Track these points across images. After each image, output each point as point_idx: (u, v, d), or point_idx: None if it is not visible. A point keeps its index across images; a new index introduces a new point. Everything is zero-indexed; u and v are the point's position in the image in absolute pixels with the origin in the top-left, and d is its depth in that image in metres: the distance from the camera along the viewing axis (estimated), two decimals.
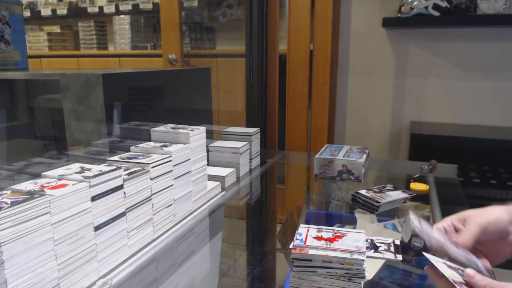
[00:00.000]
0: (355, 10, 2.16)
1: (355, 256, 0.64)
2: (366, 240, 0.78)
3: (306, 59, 2.06)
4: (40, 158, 1.20)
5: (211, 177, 1.21)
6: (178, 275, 0.84)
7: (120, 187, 0.77)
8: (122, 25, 3.02)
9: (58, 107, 1.04)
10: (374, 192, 1.14)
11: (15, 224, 0.56)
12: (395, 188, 1.18)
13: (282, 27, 2.14)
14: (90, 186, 0.69)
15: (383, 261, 0.79)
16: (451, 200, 1.23)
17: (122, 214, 0.78)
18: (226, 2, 2.70)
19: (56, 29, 3.30)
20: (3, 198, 0.59)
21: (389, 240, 0.85)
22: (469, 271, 0.60)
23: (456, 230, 0.68)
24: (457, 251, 0.63)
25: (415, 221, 0.69)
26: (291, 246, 0.67)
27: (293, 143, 2.16)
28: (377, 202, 1.08)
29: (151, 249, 0.87)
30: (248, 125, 2.08)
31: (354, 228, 1.00)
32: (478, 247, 0.66)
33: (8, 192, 0.62)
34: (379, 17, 2.03)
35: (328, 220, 1.16)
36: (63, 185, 0.66)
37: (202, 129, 1.06)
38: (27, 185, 0.66)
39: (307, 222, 1.07)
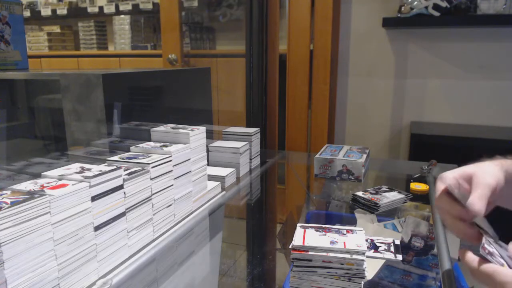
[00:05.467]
0: (355, 10, 2.16)
1: (355, 256, 0.64)
2: (366, 240, 0.78)
3: (306, 59, 2.06)
4: (40, 158, 1.20)
5: (211, 177, 1.21)
6: (178, 275, 0.84)
7: (120, 187, 0.77)
8: (122, 25, 3.02)
9: (58, 107, 1.04)
10: (371, 193, 1.14)
11: (15, 224, 0.56)
12: (391, 189, 1.18)
13: (282, 27, 2.14)
14: (90, 186, 0.69)
15: (383, 261, 0.79)
16: None
17: (122, 214, 0.78)
18: (226, 2, 2.70)
19: (56, 29, 3.30)
20: (3, 198, 0.59)
21: (389, 240, 0.85)
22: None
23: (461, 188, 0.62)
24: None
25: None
26: (290, 246, 0.67)
27: (293, 143, 2.16)
28: (375, 204, 1.08)
29: (151, 249, 0.87)
30: (248, 125, 2.08)
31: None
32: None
33: (8, 192, 0.62)
34: (379, 17, 2.03)
35: (328, 220, 1.16)
36: (63, 185, 0.66)
37: (202, 129, 1.06)
38: (27, 185, 0.66)
39: (307, 222, 1.07)
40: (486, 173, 0.61)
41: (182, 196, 1.00)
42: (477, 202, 0.57)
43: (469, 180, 0.63)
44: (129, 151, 0.97)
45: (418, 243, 0.79)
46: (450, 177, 0.64)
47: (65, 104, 1.02)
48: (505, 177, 0.61)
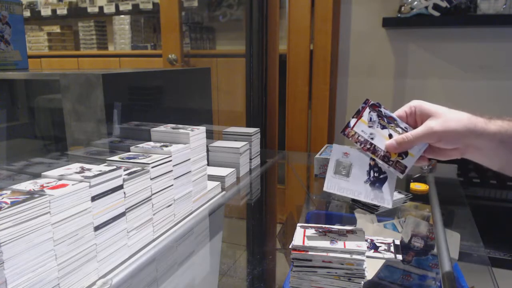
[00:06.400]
0: (355, 10, 2.16)
1: (355, 256, 0.64)
2: (366, 240, 0.78)
3: (306, 59, 2.06)
4: (40, 158, 1.20)
5: (211, 177, 1.21)
6: (178, 275, 0.84)
7: (120, 187, 0.77)
8: (122, 25, 3.02)
9: (58, 107, 1.04)
10: None
11: (15, 224, 0.56)
12: None
13: (282, 27, 2.14)
14: (90, 186, 0.69)
15: (383, 261, 0.79)
16: (451, 200, 1.23)
17: (122, 214, 0.78)
18: (226, 2, 2.70)
19: (56, 29, 3.30)
20: (3, 198, 0.59)
21: (389, 240, 0.85)
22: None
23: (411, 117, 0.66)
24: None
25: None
26: (290, 246, 0.67)
27: (293, 143, 2.16)
28: (375, 204, 1.08)
29: (151, 249, 0.87)
30: (248, 125, 2.08)
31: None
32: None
33: (8, 192, 0.62)
34: (379, 17, 2.03)
35: (328, 220, 1.16)
36: (63, 185, 0.66)
37: (202, 129, 1.06)
38: (27, 185, 0.66)
39: (307, 222, 1.07)
40: (440, 120, 0.61)
41: (182, 196, 1.00)
42: (393, 143, 0.63)
43: (424, 116, 0.64)
44: (129, 151, 0.97)
45: (418, 243, 0.79)
46: (409, 105, 0.67)
47: (65, 104, 1.02)
48: (483, 134, 0.60)
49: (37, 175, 0.72)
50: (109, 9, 3.01)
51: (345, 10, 2.17)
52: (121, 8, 2.97)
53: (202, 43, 2.77)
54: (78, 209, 0.67)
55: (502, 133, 0.60)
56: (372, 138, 0.65)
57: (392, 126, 0.66)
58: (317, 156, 1.37)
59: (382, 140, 0.64)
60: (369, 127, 0.65)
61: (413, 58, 2.11)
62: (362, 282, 0.65)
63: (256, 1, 1.95)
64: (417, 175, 1.35)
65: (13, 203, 0.57)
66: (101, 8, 3.04)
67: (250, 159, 1.45)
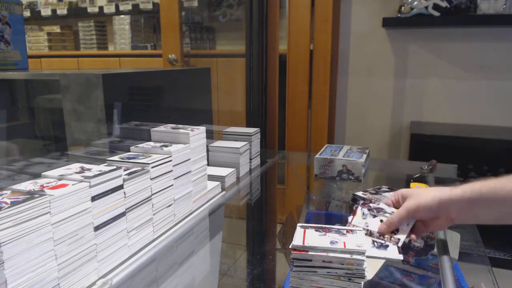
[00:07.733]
0: (355, 10, 2.16)
1: (355, 256, 0.64)
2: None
3: (306, 59, 2.07)
4: (40, 158, 1.20)
5: (211, 177, 1.21)
6: (178, 275, 0.84)
7: (120, 187, 0.77)
8: (122, 25, 3.02)
9: (58, 107, 1.04)
10: (371, 193, 1.14)
11: (15, 224, 0.56)
12: (391, 189, 1.18)
13: (282, 27, 2.14)
14: (90, 186, 0.69)
15: (383, 261, 0.79)
16: None
17: (122, 214, 0.78)
18: (226, 2, 2.70)
19: (56, 29, 3.30)
20: (3, 198, 0.59)
21: None
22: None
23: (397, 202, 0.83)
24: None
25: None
26: (290, 246, 0.67)
27: (293, 143, 2.16)
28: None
29: (151, 249, 0.87)
30: (248, 125, 2.08)
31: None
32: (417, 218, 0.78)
33: (8, 192, 0.62)
34: (379, 17, 2.03)
35: (328, 220, 1.16)
36: (63, 185, 0.66)
37: (202, 129, 1.06)
38: (27, 185, 0.66)
39: (307, 222, 1.07)
40: (413, 198, 0.76)
41: (182, 196, 1.00)
42: (383, 225, 0.78)
43: (404, 199, 0.80)
44: (129, 151, 0.97)
45: (418, 243, 0.79)
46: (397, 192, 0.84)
47: (65, 104, 1.02)
48: (454, 199, 0.71)
49: (37, 175, 0.72)
50: (109, 9, 3.01)
51: (345, 10, 2.17)
52: (121, 8, 2.97)
53: (202, 43, 2.77)
54: (78, 209, 0.67)
55: (467, 193, 0.70)
56: (367, 226, 0.81)
57: (381, 213, 0.83)
58: (317, 156, 1.37)
59: (376, 225, 0.80)
60: (363, 219, 0.83)
61: (413, 58, 2.11)
62: (362, 282, 0.65)
63: (256, 1, 1.95)
64: (417, 175, 1.35)
65: (13, 203, 0.57)
66: (101, 8, 3.05)
67: (250, 159, 1.45)
